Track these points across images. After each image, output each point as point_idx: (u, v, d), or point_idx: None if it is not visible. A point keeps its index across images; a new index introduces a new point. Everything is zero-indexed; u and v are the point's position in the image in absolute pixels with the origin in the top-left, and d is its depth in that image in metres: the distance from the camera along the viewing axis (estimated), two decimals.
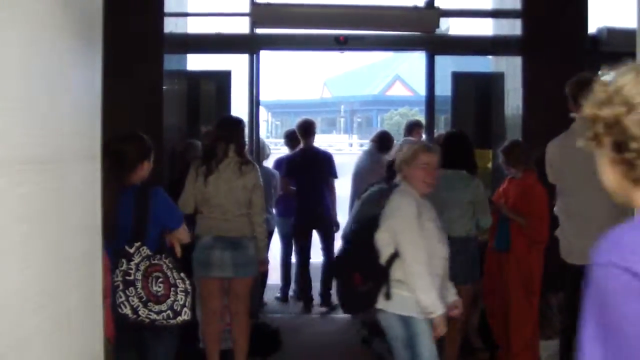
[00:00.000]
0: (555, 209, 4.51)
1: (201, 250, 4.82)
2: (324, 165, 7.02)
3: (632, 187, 1.42)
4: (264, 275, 6.38)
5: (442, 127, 7.51)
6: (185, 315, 3.66)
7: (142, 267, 3.63)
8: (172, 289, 3.64)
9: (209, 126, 6.67)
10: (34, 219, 1.80)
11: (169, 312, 3.65)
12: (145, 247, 3.64)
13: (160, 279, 3.64)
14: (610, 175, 1.45)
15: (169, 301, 3.65)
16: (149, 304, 3.64)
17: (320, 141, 15.09)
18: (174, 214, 3.88)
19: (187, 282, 3.68)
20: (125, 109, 5.05)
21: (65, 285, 2.04)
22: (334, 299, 6.84)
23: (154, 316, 3.65)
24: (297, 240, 7.21)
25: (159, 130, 5.67)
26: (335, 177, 7.11)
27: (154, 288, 3.64)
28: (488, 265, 5.06)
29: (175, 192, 5.05)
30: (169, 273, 3.65)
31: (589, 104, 1.44)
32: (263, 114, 33.07)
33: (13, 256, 1.68)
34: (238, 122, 5.10)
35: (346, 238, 4.45)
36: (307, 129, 7.13)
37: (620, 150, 1.39)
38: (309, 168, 6.98)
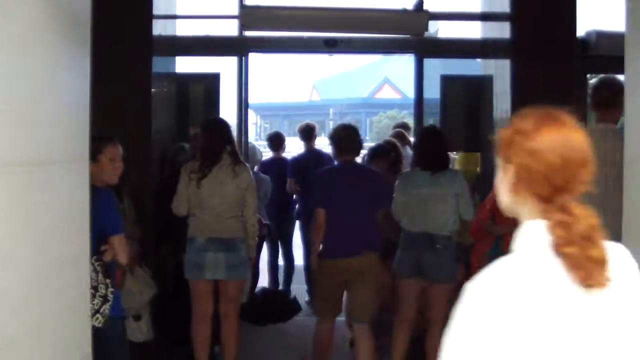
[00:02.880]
0: None
1: (195, 252, 4.81)
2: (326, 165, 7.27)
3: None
4: (255, 277, 6.41)
5: None
6: (97, 322, 3.48)
7: None
8: (91, 291, 3.42)
9: (197, 128, 6.65)
10: (21, 221, 1.78)
11: None
12: None
13: None
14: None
15: None
16: None
17: None
18: (108, 219, 3.59)
19: (110, 290, 3.56)
20: (114, 112, 5.02)
21: (52, 287, 2.02)
22: None
23: None
24: (304, 241, 7.48)
25: (147, 133, 5.64)
26: None
27: None
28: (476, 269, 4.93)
29: (165, 195, 5.03)
30: (92, 275, 3.47)
31: None
32: (252, 117, 33.02)
33: None
34: (227, 123, 5.10)
35: None
36: (309, 133, 7.66)
37: None
38: (314, 169, 7.17)
